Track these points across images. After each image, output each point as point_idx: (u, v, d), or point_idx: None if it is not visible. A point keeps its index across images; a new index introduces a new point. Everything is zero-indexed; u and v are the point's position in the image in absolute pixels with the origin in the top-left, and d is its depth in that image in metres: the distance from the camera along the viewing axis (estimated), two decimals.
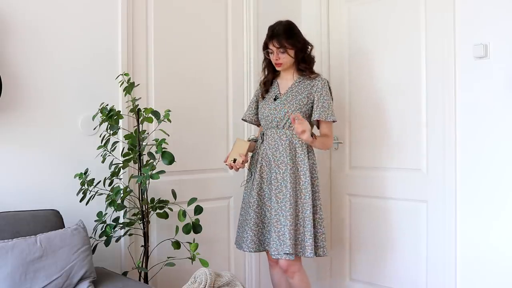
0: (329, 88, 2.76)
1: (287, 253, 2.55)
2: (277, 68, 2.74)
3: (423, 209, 2.98)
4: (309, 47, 2.75)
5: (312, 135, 2.58)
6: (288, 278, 2.75)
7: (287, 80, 2.78)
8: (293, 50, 2.68)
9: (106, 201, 2.45)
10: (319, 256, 2.68)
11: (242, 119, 2.97)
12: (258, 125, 2.91)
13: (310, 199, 2.62)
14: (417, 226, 3.01)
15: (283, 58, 2.69)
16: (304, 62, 2.73)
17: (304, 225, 2.61)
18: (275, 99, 2.75)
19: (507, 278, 2.63)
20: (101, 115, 2.45)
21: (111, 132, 2.45)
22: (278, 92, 2.77)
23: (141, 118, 2.47)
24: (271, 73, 2.82)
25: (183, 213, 2.46)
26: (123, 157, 2.47)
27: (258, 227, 2.71)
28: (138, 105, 2.50)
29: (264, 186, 2.72)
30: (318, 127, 2.77)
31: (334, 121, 2.73)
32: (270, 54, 2.73)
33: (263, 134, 2.78)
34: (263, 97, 2.82)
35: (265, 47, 2.73)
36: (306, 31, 2.95)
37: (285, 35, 2.66)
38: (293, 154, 2.67)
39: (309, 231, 2.60)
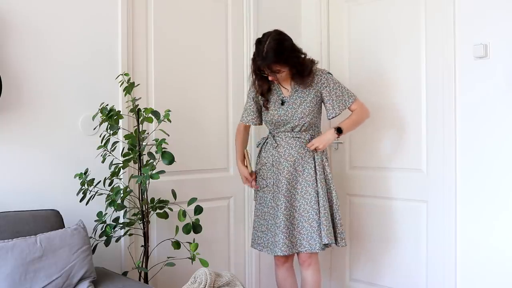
0: (331, 74, 2.76)
1: (324, 244, 2.62)
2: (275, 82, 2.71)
3: (423, 209, 2.98)
4: (302, 56, 2.64)
5: (337, 130, 2.68)
6: (302, 269, 2.75)
7: (287, 80, 2.73)
8: (286, 68, 2.59)
9: (106, 201, 2.45)
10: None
11: (245, 123, 2.89)
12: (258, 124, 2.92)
13: (335, 192, 2.74)
14: (417, 226, 3.01)
15: (278, 76, 2.62)
16: (299, 74, 2.62)
17: (334, 215, 2.72)
18: (282, 103, 2.72)
19: (507, 278, 2.63)
20: (101, 115, 2.45)
21: (111, 132, 2.45)
22: (283, 95, 2.73)
23: (141, 118, 2.47)
24: (266, 83, 2.71)
25: (183, 213, 2.46)
26: (123, 157, 2.47)
27: (288, 229, 2.68)
28: (138, 105, 2.51)
29: (277, 191, 2.71)
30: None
31: (355, 100, 2.75)
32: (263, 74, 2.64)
33: (273, 137, 2.77)
34: (267, 102, 2.74)
35: (258, 69, 2.61)
36: (306, 31, 2.96)
37: (274, 58, 2.52)
38: (313, 155, 2.70)
39: (339, 220, 2.72)
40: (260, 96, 2.77)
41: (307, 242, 2.64)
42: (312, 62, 2.69)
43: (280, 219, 2.67)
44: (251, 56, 3.23)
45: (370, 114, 2.85)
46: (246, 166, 2.87)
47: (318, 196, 2.66)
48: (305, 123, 2.70)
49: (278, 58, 2.54)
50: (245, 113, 2.88)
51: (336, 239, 2.70)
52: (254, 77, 2.72)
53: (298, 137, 2.71)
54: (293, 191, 2.71)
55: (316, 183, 2.68)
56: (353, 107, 2.77)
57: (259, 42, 2.61)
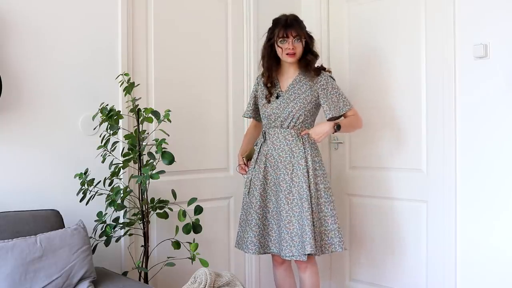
0: (333, 79, 2.76)
1: (307, 254, 2.55)
2: (289, 60, 2.67)
3: (423, 209, 2.98)
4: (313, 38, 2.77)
5: (335, 126, 2.64)
6: (299, 272, 2.74)
7: (288, 76, 2.74)
8: (305, 39, 2.69)
9: (106, 201, 2.45)
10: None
11: (243, 116, 2.99)
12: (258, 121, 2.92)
13: (329, 196, 2.66)
14: (417, 226, 3.01)
15: (298, 48, 2.66)
16: (311, 53, 2.71)
17: (326, 224, 2.64)
18: (277, 97, 2.72)
19: (507, 278, 2.63)
20: (101, 115, 2.45)
21: (111, 132, 2.45)
22: (280, 90, 2.74)
23: (141, 118, 2.47)
24: (272, 71, 2.75)
25: (183, 213, 2.46)
26: (123, 157, 2.47)
27: (259, 228, 2.70)
28: (138, 105, 2.51)
29: (267, 188, 2.71)
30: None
31: (350, 109, 2.74)
32: (281, 44, 2.65)
33: (265, 133, 2.77)
34: (269, 95, 2.75)
35: (282, 36, 2.64)
36: None
37: (298, 23, 2.70)
38: (301, 153, 2.65)
39: (335, 228, 2.64)
40: (265, 87, 2.76)
41: (286, 248, 2.59)
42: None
43: (252, 216, 2.70)
44: (251, 55, 3.28)
45: (362, 126, 2.84)
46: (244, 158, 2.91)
47: (312, 201, 2.61)
48: (294, 118, 2.67)
49: (301, 26, 2.70)
50: (247, 105, 2.94)
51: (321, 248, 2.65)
52: (266, 60, 2.73)
53: (287, 134, 2.68)
54: (270, 192, 2.70)
55: (310, 187, 2.63)
56: (348, 114, 2.76)
57: (278, 19, 2.73)
